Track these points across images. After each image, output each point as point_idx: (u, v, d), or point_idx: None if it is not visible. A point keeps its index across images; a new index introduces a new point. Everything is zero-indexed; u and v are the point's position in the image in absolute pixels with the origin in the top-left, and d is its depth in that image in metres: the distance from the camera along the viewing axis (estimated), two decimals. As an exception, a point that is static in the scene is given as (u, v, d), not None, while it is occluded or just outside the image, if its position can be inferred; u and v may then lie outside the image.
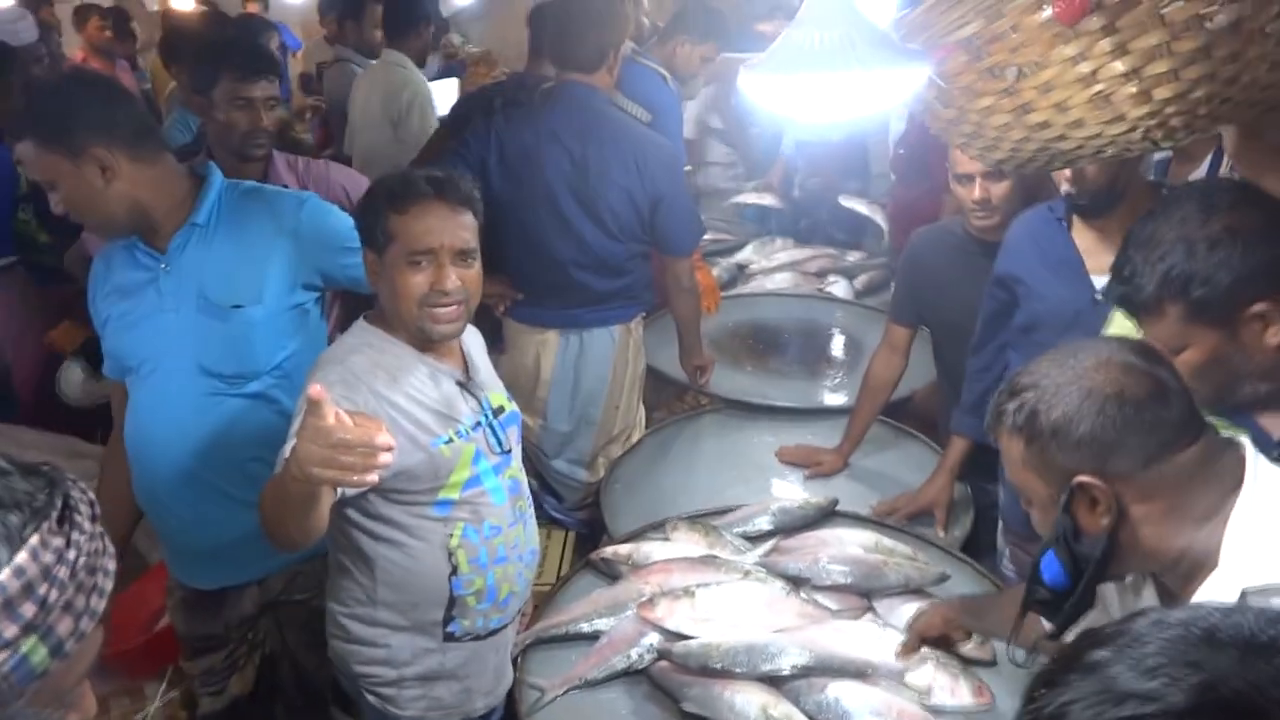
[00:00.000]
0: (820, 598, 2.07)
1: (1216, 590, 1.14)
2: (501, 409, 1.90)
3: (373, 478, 1.37)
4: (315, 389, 1.33)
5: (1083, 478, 1.19)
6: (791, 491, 2.58)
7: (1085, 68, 1.32)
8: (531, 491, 2.91)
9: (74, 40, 6.72)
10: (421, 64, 4.35)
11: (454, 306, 1.74)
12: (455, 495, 1.79)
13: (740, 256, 4.26)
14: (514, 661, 2.00)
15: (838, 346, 3.44)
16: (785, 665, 1.85)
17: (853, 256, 4.24)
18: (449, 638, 1.85)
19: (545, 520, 2.86)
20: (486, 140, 2.76)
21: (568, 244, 2.74)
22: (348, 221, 1.96)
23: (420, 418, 1.75)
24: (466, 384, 1.84)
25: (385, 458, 1.35)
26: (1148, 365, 1.21)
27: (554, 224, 2.72)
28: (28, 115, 1.86)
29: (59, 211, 1.92)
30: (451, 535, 1.80)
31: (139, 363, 2.00)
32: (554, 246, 2.74)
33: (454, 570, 1.81)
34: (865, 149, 4.77)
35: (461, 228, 1.74)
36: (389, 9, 4.39)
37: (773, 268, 4.12)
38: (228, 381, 1.98)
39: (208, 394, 1.97)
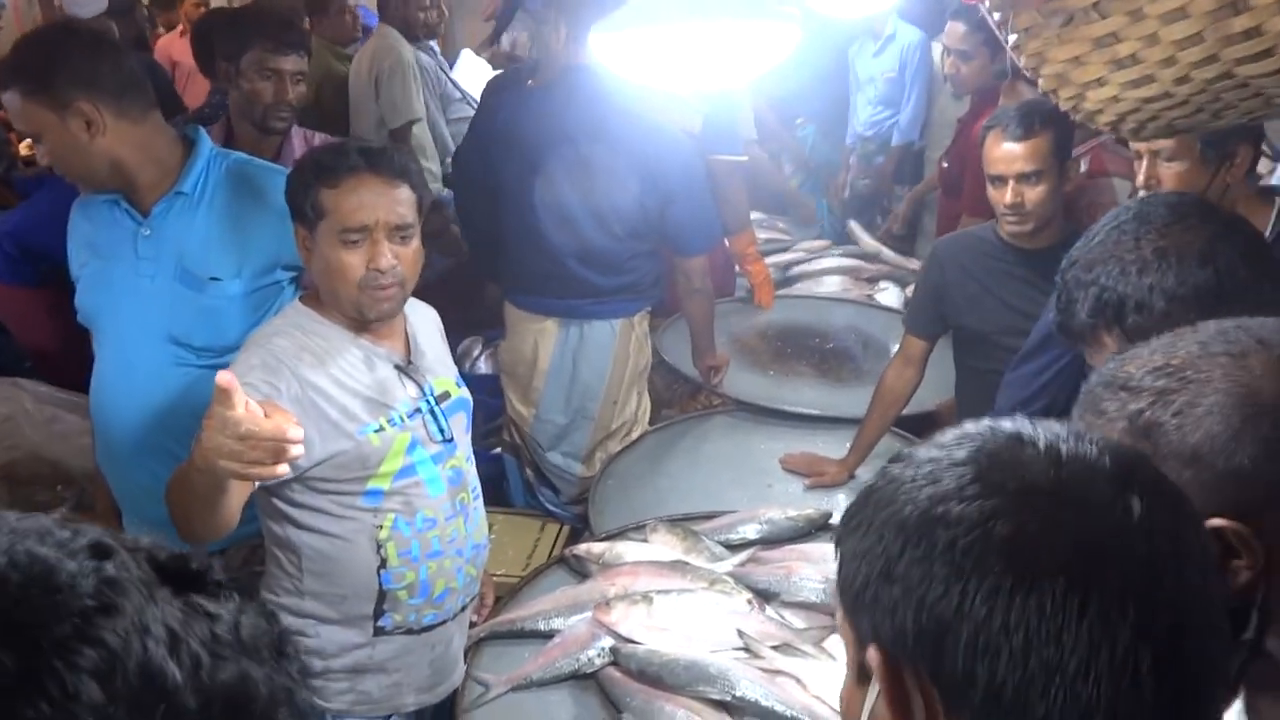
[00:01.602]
0: (788, 614, 1.97)
1: None
2: (447, 395, 1.82)
3: (283, 469, 1.33)
4: (224, 377, 1.28)
5: (1219, 522, 0.83)
6: (787, 500, 2.46)
7: None
8: (528, 483, 2.90)
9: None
10: (410, 37, 4.31)
11: (391, 288, 1.66)
12: (386, 485, 1.72)
13: (787, 257, 4.12)
14: (466, 655, 1.95)
15: (869, 355, 3.26)
16: (720, 693, 1.74)
17: (915, 264, 4.07)
18: (379, 631, 1.79)
19: (541, 513, 2.81)
20: (494, 119, 2.68)
21: (567, 239, 2.62)
22: None
23: (347, 404, 1.68)
24: (406, 368, 1.77)
25: (296, 450, 1.31)
26: None
27: (554, 217, 2.61)
28: (13, 66, 1.85)
29: (44, 164, 1.93)
30: (381, 526, 1.73)
31: (108, 323, 1.99)
32: (553, 240, 2.62)
33: (383, 563, 1.74)
34: (922, 156, 4.63)
35: (397, 203, 1.65)
36: None
37: (819, 271, 3.98)
38: (195, 352, 1.96)
39: (173, 363, 1.95)
